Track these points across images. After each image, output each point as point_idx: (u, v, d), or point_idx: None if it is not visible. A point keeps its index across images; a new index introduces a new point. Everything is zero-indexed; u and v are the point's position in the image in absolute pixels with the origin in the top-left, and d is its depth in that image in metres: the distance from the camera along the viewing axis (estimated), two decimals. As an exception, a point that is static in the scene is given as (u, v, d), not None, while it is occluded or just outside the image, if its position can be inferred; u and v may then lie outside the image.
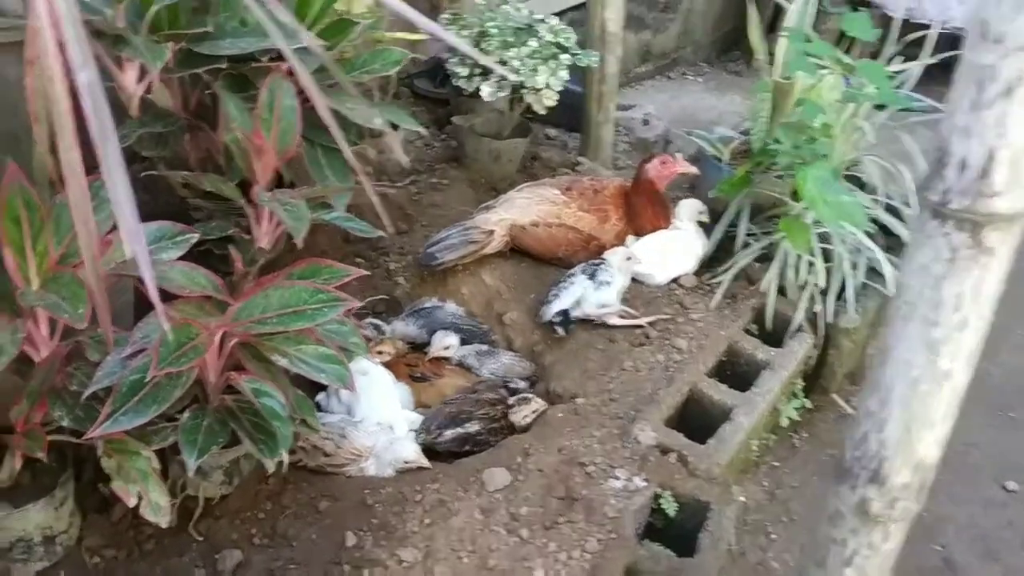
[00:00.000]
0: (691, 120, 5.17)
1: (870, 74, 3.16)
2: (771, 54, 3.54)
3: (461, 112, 4.11)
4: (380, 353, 2.94)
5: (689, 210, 3.42)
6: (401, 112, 3.02)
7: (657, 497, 2.54)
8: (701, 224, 3.47)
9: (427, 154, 3.95)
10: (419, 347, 3.12)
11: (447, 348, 3.02)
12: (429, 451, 2.65)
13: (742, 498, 3.07)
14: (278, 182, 2.81)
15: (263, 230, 2.64)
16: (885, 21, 5.32)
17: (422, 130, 3.00)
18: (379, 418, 2.66)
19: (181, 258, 2.26)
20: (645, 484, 2.53)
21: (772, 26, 4.56)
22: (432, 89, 4.59)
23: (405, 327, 3.10)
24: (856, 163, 3.80)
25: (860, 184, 3.66)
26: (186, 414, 2.16)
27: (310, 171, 2.78)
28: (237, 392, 2.24)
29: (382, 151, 3.70)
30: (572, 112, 4.39)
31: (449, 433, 2.67)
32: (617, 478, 2.54)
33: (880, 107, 3.49)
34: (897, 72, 3.46)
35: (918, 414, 1.50)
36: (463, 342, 3.10)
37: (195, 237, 2.31)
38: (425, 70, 4.65)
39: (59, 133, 1.58)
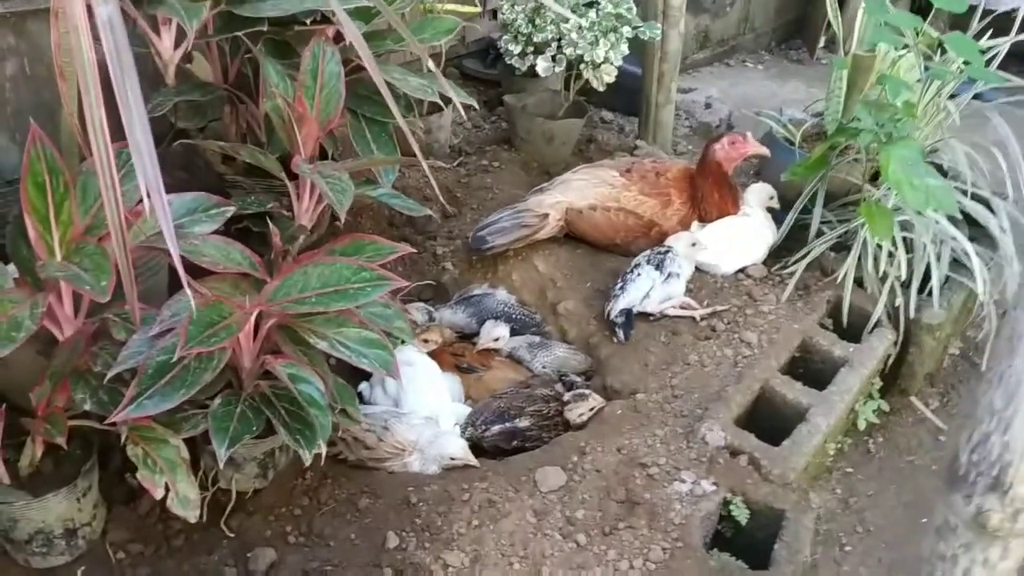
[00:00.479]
0: (752, 107, 4.92)
1: (960, 47, 2.90)
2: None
3: (513, 93, 3.92)
4: (426, 342, 2.76)
5: (759, 195, 3.19)
6: (452, 84, 2.83)
7: (727, 503, 2.32)
8: (771, 211, 3.23)
9: (477, 136, 3.76)
10: (467, 337, 2.93)
11: (497, 340, 2.83)
12: (475, 447, 2.46)
13: (814, 505, 2.84)
14: (321, 157, 2.65)
15: (304, 207, 2.47)
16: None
17: (474, 103, 2.80)
18: (426, 411, 2.47)
19: (217, 234, 2.10)
20: (714, 488, 2.31)
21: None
22: (483, 70, 4.41)
23: (453, 315, 2.91)
24: (936, 149, 3.55)
25: (941, 170, 3.39)
26: (217, 400, 2.00)
27: (354, 145, 2.61)
28: (273, 378, 2.07)
29: (429, 131, 3.52)
30: (629, 95, 4.18)
31: (496, 428, 2.48)
32: (683, 481, 2.33)
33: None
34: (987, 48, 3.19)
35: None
36: (514, 332, 2.90)
37: (231, 210, 2.14)
38: (476, 51, 4.48)
39: (83, 89, 1.42)
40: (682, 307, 2.93)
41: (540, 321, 3.00)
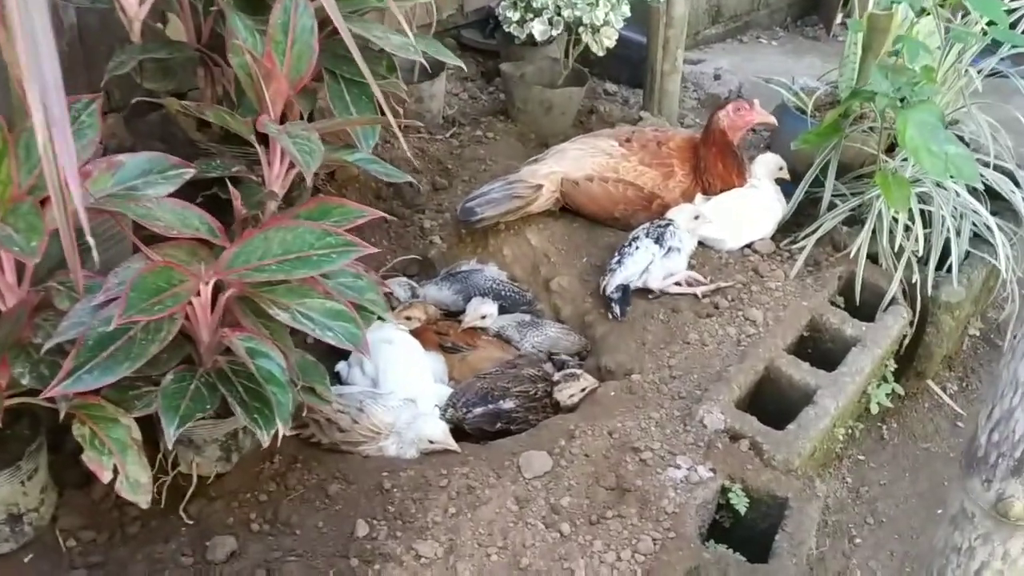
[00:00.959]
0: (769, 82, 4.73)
1: (983, 6, 2.71)
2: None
3: (511, 60, 3.74)
4: (408, 319, 2.60)
5: (767, 166, 3.00)
6: (440, 45, 2.66)
7: (725, 490, 2.15)
8: (780, 183, 3.04)
9: (473, 106, 3.59)
10: (453, 315, 2.76)
11: (484, 317, 2.66)
12: (457, 430, 2.30)
13: (821, 494, 2.67)
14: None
15: (275, 172, 2.31)
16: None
17: (462, 64, 2.63)
18: (406, 392, 2.31)
19: (178, 199, 1.94)
20: (711, 475, 2.15)
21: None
22: (482, 40, 4.23)
23: (438, 292, 2.74)
24: (956, 120, 3.35)
25: (962, 141, 3.19)
26: (169, 376, 1.84)
27: (332, 108, 2.44)
28: (234, 354, 1.91)
29: (420, 99, 3.35)
30: (633, 66, 3.99)
31: (479, 410, 2.31)
32: (678, 467, 2.16)
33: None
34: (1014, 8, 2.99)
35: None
36: (503, 310, 2.73)
37: (189, 172, 1.99)
38: (475, 20, 4.30)
39: (15, 35, 1.27)
40: (687, 283, 2.76)
41: (531, 299, 2.83)
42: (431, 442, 2.23)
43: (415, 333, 2.59)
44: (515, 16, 3.54)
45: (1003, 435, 1.31)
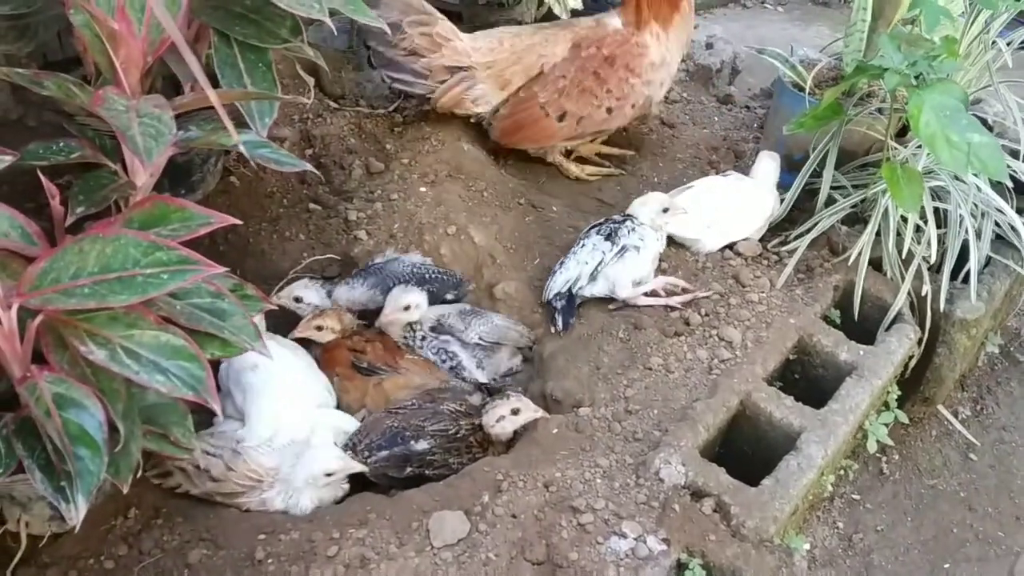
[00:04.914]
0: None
1: (1019, -35, 2.24)
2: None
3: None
4: (320, 329, 2.18)
5: (767, 166, 2.56)
6: (360, 3, 2.21)
7: (681, 567, 1.73)
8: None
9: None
10: (375, 316, 2.31)
11: (407, 308, 2.23)
12: (359, 477, 1.89)
13: (806, 547, 2.26)
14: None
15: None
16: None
17: (384, 27, 2.18)
18: (272, 428, 1.88)
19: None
20: (663, 548, 1.72)
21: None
22: (447, 1, 3.76)
23: (351, 292, 2.28)
24: (980, 100, 2.89)
25: (986, 125, 2.73)
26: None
27: (220, 77, 2.00)
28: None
29: (359, 66, 2.90)
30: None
31: (384, 454, 1.89)
32: (623, 535, 1.74)
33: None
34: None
35: None
36: (433, 299, 2.31)
37: (4, 160, 1.55)
38: (440, -23, 3.82)
39: None
40: (665, 290, 2.33)
41: (460, 279, 2.40)
42: (328, 475, 1.82)
43: (327, 350, 2.18)
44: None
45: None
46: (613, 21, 2.72)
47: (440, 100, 2.71)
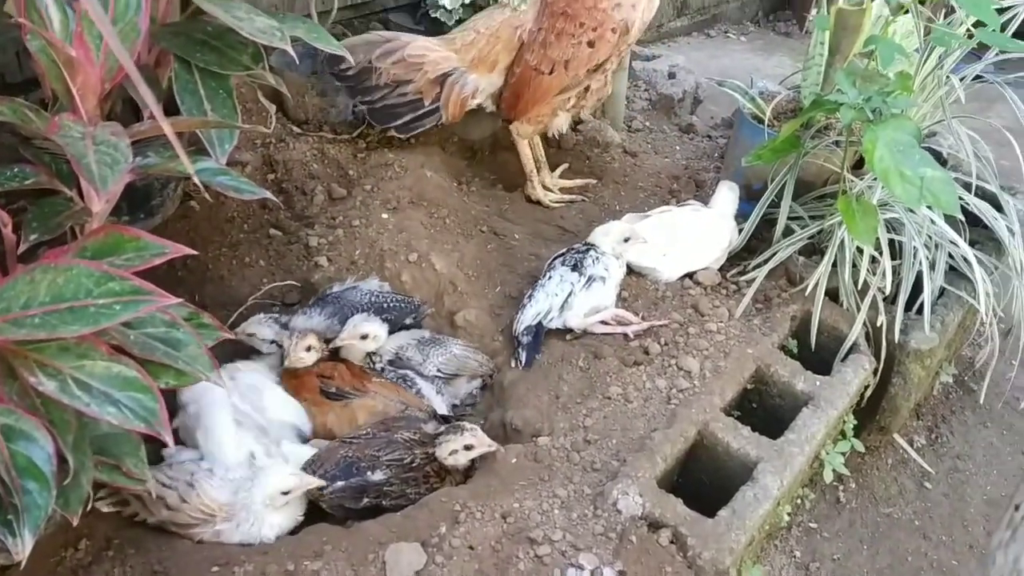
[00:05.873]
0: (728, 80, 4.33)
1: (971, 4, 2.30)
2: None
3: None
4: (309, 350, 2.16)
5: (726, 196, 2.59)
6: (322, 31, 2.22)
7: (637, 599, 1.74)
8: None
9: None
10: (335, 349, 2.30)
11: (365, 338, 2.22)
12: (315, 508, 1.87)
13: (764, 576, 2.27)
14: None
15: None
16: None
17: (347, 55, 2.18)
18: (229, 459, 1.86)
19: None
20: (620, 580, 1.73)
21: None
22: (412, 25, 3.77)
23: (308, 321, 2.27)
24: (934, 132, 2.95)
25: (940, 158, 2.79)
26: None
27: (179, 103, 1.99)
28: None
29: (325, 93, 2.90)
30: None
31: (340, 484, 1.88)
32: (580, 567, 1.74)
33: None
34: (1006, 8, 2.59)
35: None
36: (392, 327, 2.31)
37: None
38: (406, 3, 3.84)
39: None
40: (616, 321, 2.34)
41: (418, 305, 2.40)
42: (285, 493, 1.80)
43: (294, 376, 2.16)
44: (446, 1, 3.11)
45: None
46: None
47: (449, 113, 2.74)
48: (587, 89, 2.74)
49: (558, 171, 3.06)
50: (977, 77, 2.69)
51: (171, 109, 2.01)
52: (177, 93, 2.01)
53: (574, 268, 2.32)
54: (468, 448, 1.95)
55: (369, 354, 2.28)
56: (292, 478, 1.84)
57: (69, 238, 1.83)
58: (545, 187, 2.97)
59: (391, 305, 2.34)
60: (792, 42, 5.69)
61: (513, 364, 2.25)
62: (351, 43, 2.67)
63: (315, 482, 1.84)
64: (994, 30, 2.31)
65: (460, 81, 2.72)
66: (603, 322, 2.32)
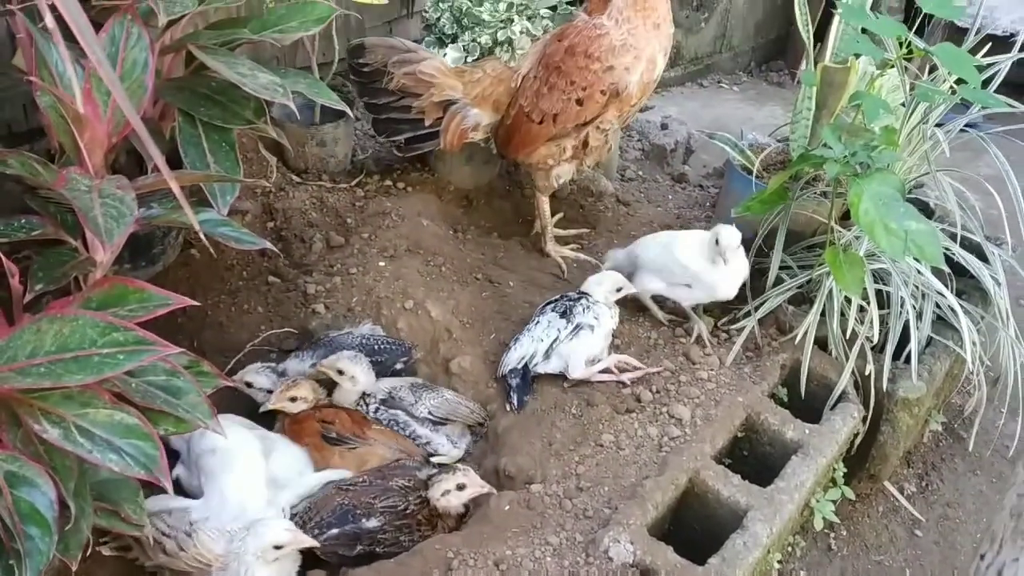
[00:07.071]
0: (723, 132, 4.40)
1: (953, 62, 2.37)
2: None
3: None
4: (294, 400, 2.19)
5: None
6: (322, 86, 2.29)
7: (628, 647, 1.76)
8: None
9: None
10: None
11: (342, 374, 2.25)
12: (308, 555, 1.89)
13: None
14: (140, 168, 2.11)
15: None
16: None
17: (347, 109, 2.25)
18: (239, 510, 1.88)
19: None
20: (611, 628, 1.75)
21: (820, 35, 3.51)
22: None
23: (300, 365, 2.31)
24: (921, 184, 3.01)
25: (926, 210, 2.86)
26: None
27: (183, 156, 2.05)
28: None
29: (323, 143, 2.96)
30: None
31: (334, 532, 1.90)
32: (572, 615, 1.76)
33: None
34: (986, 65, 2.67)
35: None
36: (382, 369, 2.35)
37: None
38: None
39: None
40: (618, 368, 2.37)
41: (409, 348, 2.44)
42: (278, 548, 1.81)
43: (296, 421, 2.19)
44: (430, 39, 3.19)
45: None
46: (580, 15, 2.72)
47: (447, 141, 2.80)
48: (586, 144, 2.80)
49: (553, 219, 3.11)
50: (967, 127, 2.76)
51: (174, 160, 2.07)
52: (181, 146, 2.07)
53: (563, 315, 2.36)
54: (461, 488, 1.98)
55: (363, 395, 2.31)
56: (287, 533, 1.83)
57: (73, 288, 1.88)
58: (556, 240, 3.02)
59: (382, 347, 2.38)
60: (785, 92, 5.77)
61: (508, 408, 2.28)
62: (373, 43, 2.77)
63: (308, 541, 1.84)
64: (975, 87, 2.39)
65: (462, 112, 2.78)
66: (606, 370, 2.36)
